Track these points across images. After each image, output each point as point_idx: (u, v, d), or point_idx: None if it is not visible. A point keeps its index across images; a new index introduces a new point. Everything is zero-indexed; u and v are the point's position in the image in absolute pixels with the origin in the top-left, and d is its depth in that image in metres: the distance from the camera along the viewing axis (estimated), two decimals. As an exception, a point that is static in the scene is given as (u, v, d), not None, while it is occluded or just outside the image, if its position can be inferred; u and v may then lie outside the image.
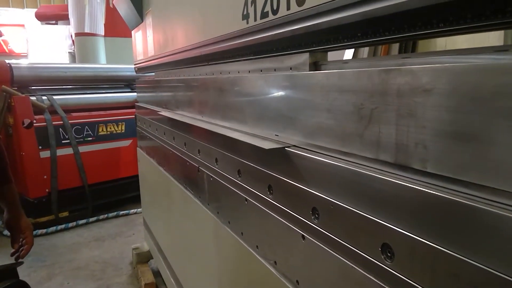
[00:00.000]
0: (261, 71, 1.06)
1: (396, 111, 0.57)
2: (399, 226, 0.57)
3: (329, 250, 0.72)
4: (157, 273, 2.63)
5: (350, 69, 0.70)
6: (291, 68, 0.92)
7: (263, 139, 1.00)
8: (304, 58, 0.86)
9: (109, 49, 5.66)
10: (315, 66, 0.85)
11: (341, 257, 0.69)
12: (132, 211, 4.00)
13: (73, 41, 6.18)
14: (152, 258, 2.73)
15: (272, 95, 0.95)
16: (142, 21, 2.41)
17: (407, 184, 0.56)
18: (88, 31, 5.42)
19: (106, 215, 3.89)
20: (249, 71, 1.13)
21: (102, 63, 5.41)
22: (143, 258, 2.81)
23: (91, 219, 3.82)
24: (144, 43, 2.42)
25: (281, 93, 0.91)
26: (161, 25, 2.05)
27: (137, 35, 2.65)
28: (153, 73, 2.52)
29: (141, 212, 3.64)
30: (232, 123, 1.19)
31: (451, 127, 0.50)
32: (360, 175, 0.65)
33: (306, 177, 0.80)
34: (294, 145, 0.88)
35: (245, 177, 1.09)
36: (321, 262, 0.75)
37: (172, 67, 1.95)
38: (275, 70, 0.99)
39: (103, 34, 5.59)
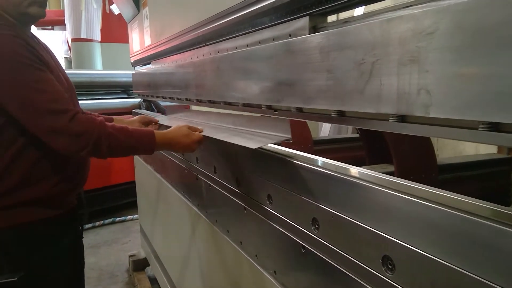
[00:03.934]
0: (260, 42, 1.05)
1: (398, 60, 0.57)
2: (400, 238, 0.57)
3: (330, 261, 0.72)
4: (154, 280, 2.61)
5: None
6: (290, 35, 0.90)
7: (254, 139, 1.00)
8: (303, 22, 0.85)
9: (106, 55, 5.66)
10: (314, 30, 0.83)
11: (342, 268, 0.69)
12: (128, 217, 3.98)
13: (69, 46, 6.17)
14: (149, 265, 2.72)
15: (271, 64, 0.94)
16: (139, 12, 2.43)
17: (408, 197, 0.57)
18: (85, 37, 5.41)
19: (102, 221, 3.87)
20: (247, 45, 1.11)
21: (98, 69, 5.40)
22: (140, 265, 2.79)
23: (87, 226, 3.79)
24: (141, 34, 2.42)
25: (280, 60, 0.90)
26: (158, 13, 2.06)
27: (133, 27, 2.65)
28: (150, 64, 2.51)
29: (137, 219, 3.62)
30: (231, 98, 1.19)
31: (454, 67, 0.49)
32: (361, 187, 0.65)
33: (306, 188, 0.80)
34: (281, 142, 0.88)
35: (244, 186, 1.09)
36: (321, 272, 0.75)
37: (170, 53, 1.93)
38: (274, 39, 0.97)
39: (99, 39, 5.59)
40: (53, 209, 1.29)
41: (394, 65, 0.58)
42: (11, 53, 1.09)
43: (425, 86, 0.54)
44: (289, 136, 0.96)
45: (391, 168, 1.67)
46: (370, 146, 1.92)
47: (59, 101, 1.13)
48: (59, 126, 1.10)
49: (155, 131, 1.25)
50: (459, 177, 1.77)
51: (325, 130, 3.38)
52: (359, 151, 2.22)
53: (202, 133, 1.26)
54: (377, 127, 0.65)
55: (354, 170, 0.73)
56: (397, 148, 1.57)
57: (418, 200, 0.55)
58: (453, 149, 2.95)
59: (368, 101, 0.63)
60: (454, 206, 0.51)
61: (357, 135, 2.42)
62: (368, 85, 0.62)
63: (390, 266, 0.58)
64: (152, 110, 3.89)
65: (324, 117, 0.77)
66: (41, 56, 1.16)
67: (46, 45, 1.39)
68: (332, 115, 0.73)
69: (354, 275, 0.65)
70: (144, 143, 1.21)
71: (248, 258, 1.08)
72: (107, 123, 1.18)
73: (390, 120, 0.60)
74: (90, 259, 3.22)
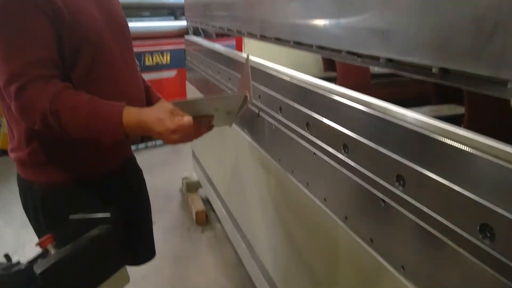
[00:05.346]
0: None
1: None
2: (503, 208, 0.56)
3: (414, 219, 0.72)
4: (206, 201, 2.79)
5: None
6: None
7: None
8: None
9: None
10: None
11: (429, 227, 0.69)
12: (178, 140, 4.15)
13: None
14: (201, 187, 2.88)
15: (360, 4, 0.86)
16: None
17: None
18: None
19: (154, 142, 4.07)
20: None
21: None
22: (192, 187, 2.97)
23: (140, 146, 4.01)
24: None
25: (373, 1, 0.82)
26: None
27: None
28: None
29: (187, 142, 3.76)
30: (304, 38, 1.10)
31: None
32: (459, 152, 0.62)
33: (390, 142, 0.78)
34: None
35: (315, 131, 1.08)
36: (402, 227, 0.76)
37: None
38: None
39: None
40: (92, 170, 1.18)
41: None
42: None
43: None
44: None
45: (460, 110, 1.59)
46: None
47: (14, 60, 0.95)
48: (8, 93, 0.96)
49: (127, 107, 0.99)
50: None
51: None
52: (419, 85, 2.12)
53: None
54: (491, 91, 0.60)
55: (449, 129, 0.69)
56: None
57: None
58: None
59: (485, 62, 0.58)
60: None
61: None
62: (487, 45, 0.57)
63: (488, 235, 0.58)
64: (199, 35, 3.82)
65: (421, 72, 0.72)
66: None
67: None
68: (433, 71, 0.68)
69: (444, 237, 0.66)
70: (106, 123, 0.97)
71: (315, 199, 1.11)
72: (67, 93, 0.97)
73: (508, 86, 0.56)
74: (145, 178, 3.43)
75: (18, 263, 0.81)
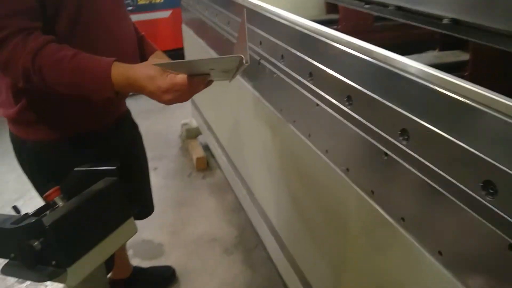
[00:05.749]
0: None
1: None
2: (508, 165, 0.56)
3: (417, 173, 0.73)
4: (206, 148, 2.81)
5: None
6: None
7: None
8: None
9: None
10: None
11: (430, 181, 0.70)
12: (175, 85, 4.08)
13: None
14: (201, 133, 2.89)
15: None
16: None
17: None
18: None
19: (151, 88, 4.01)
20: None
21: None
22: (192, 133, 2.98)
23: (137, 92, 3.95)
24: None
25: None
26: None
27: None
28: None
29: (184, 87, 3.70)
30: None
31: None
32: (465, 106, 0.61)
33: (395, 95, 0.77)
34: None
35: (318, 81, 1.06)
36: (404, 180, 0.77)
37: None
38: None
39: None
40: (85, 127, 1.15)
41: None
42: None
43: None
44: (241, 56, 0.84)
45: (465, 56, 1.55)
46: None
47: None
48: None
49: (116, 63, 0.92)
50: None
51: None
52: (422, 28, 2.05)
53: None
54: (502, 45, 0.58)
55: (455, 81, 0.66)
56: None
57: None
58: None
59: (498, 15, 0.55)
60: None
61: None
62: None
63: (491, 191, 0.59)
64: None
65: (431, 22, 0.69)
66: None
67: None
68: (444, 22, 0.65)
69: (445, 192, 0.67)
70: (94, 80, 0.92)
71: (316, 150, 1.11)
72: (50, 48, 0.90)
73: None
74: (143, 123, 3.41)
75: (26, 214, 0.83)
